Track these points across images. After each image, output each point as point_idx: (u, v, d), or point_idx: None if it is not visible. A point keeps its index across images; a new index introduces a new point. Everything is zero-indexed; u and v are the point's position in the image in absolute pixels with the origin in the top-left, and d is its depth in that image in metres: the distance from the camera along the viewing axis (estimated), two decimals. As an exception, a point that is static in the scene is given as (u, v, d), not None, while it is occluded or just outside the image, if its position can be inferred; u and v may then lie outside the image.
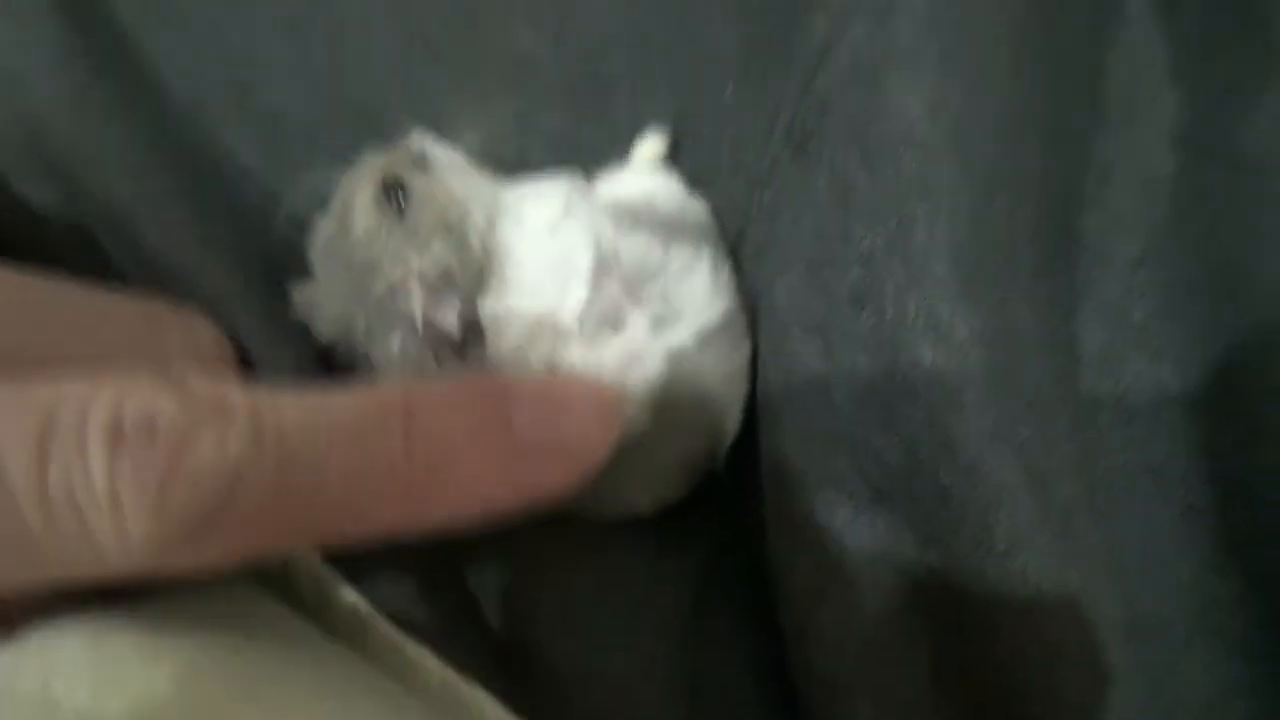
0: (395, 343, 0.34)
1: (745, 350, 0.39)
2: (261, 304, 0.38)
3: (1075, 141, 0.41)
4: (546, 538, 0.41)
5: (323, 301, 0.37)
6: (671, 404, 0.36)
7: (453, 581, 0.41)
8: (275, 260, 0.39)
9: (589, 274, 0.35)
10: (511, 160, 0.41)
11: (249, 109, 0.42)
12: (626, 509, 0.39)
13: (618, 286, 0.35)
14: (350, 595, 0.34)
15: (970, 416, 0.32)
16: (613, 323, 0.35)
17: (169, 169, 0.39)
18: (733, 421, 0.39)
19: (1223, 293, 0.38)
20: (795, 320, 0.36)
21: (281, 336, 0.37)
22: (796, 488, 0.36)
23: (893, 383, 0.33)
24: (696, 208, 0.41)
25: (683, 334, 0.36)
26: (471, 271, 0.34)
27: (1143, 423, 0.40)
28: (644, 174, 0.41)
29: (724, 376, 0.38)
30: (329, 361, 0.38)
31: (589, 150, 0.42)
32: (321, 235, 0.37)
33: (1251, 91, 0.38)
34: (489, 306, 0.35)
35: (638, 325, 0.35)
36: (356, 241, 0.35)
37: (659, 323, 0.35)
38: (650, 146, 0.42)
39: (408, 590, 0.38)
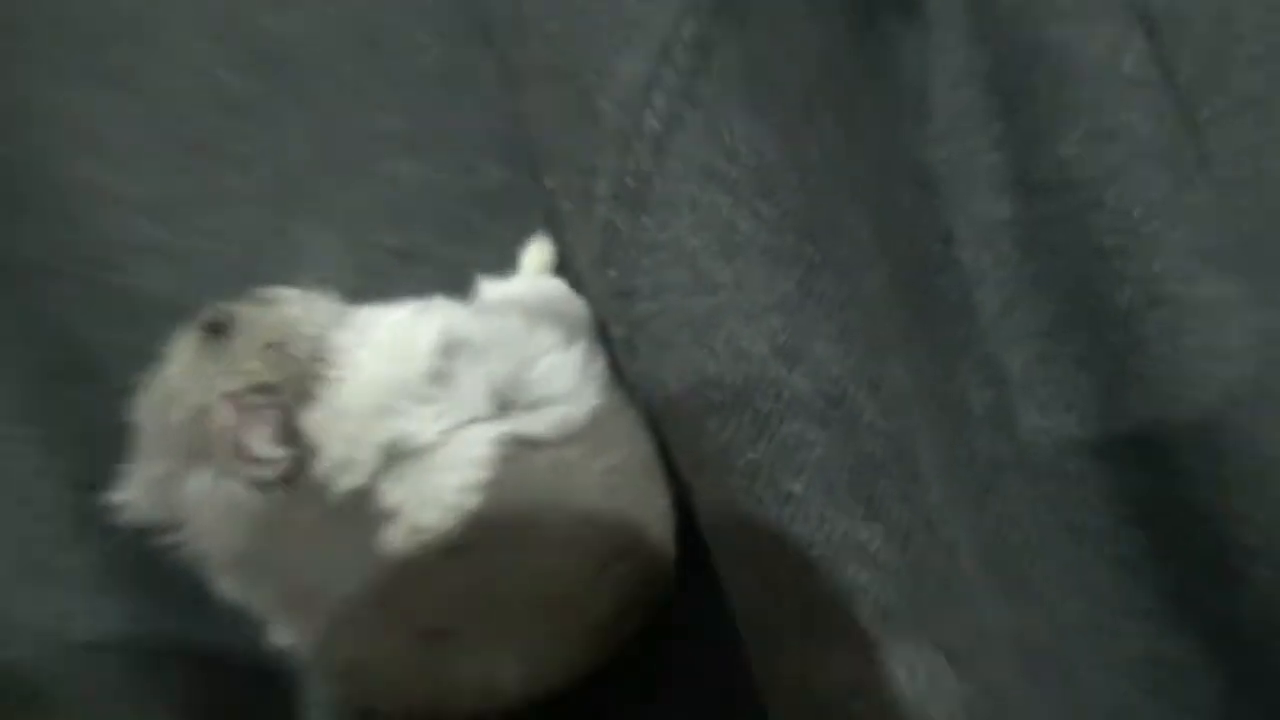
0: (206, 481, 0.30)
1: (633, 458, 0.34)
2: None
3: (913, 210, 0.41)
4: None
5: (136, 470, 0.32)
6: (530, 509, 0.31)
7: None
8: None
9: (431, 351, 0.32)
10: (403, 293, 0.37)
11: (108, 289, 0.41)
12: (488, 686, 0.31)
13: (464, 362, 0.32)
14: None
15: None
16: (447, 393, 0.32)
17: (21, 367, 0.38)
18: (648, 549, 0.33)
19: (1089, 323, 0.37)
20: None
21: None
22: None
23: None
24: (576, 303, 0.39)
25: (537, 423, 0.32)
26: (293, 383, 0.31)
27: (1050, 478, 0.38)
28: (529, 277, 0.42)
29: (607, 486, 0.33)
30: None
31: (480, 270, 0.40)
32: (144, 394, 0.33)
33: (1058, 124, 0.38)
34: (320, 416, 0.31)
35: (475, 390, 0.32)
36: (170, 381, 0.32)
37: (506, 403, 0.32)
38: (536, 253, 0.42)
39: None
